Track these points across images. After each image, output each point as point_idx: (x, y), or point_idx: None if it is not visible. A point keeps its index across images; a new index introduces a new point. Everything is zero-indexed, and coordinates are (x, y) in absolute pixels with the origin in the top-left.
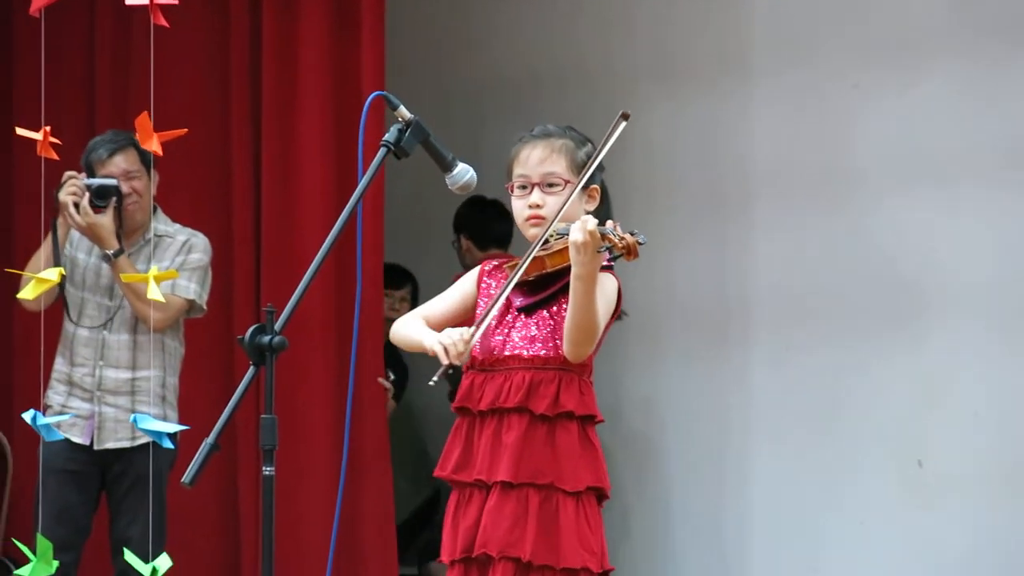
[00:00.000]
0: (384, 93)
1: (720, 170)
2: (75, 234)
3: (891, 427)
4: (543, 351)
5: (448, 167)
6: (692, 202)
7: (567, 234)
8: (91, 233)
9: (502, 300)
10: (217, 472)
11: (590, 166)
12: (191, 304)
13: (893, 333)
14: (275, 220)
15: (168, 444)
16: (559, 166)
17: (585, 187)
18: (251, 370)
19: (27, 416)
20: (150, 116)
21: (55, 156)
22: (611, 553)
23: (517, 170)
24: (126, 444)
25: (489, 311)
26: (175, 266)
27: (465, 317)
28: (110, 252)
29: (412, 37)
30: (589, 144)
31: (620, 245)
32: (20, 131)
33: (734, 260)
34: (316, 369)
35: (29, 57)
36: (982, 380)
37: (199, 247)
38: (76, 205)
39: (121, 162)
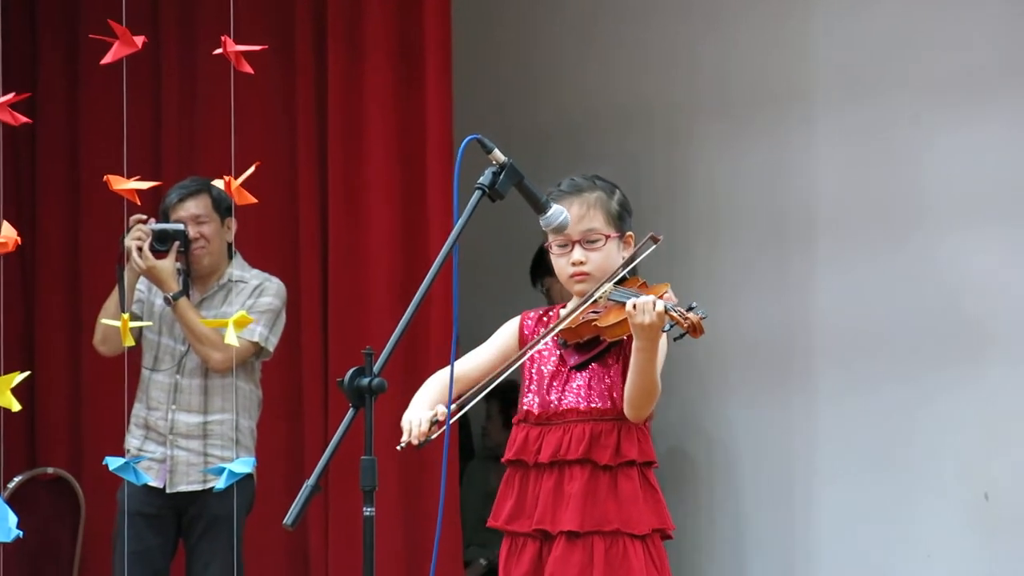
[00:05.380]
0: (479, 136)
1: (783, 206)
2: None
3: (957, 461)
4: (600, 404)
5: (542, 209)
6: (756, 238)
7: (621, 302)
8: (151, 276)
9: (517, 364)
10: (283, 508)
11: (615, 275)
12: (257, 347)
13: (957, 367)
14: (342, 264)
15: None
16: (597, 221)
17: (620, 236)
18: (350, 412)
19: (109, 462)
20: (231, 164)
21: (137, 201)
22: None
23: None
24: (197, 487)
25: (487, 386)
26: (244, 309)
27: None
28: (169, 295)
29: (476, 81)
30: (618, 191)
31: (685, 325)
32: (118, 185)
33: (797, 296)
34: (383, 413)
35: (95, 103)
36: None
37: (270, 291)
38: (140, 249)
39: (192, 207)
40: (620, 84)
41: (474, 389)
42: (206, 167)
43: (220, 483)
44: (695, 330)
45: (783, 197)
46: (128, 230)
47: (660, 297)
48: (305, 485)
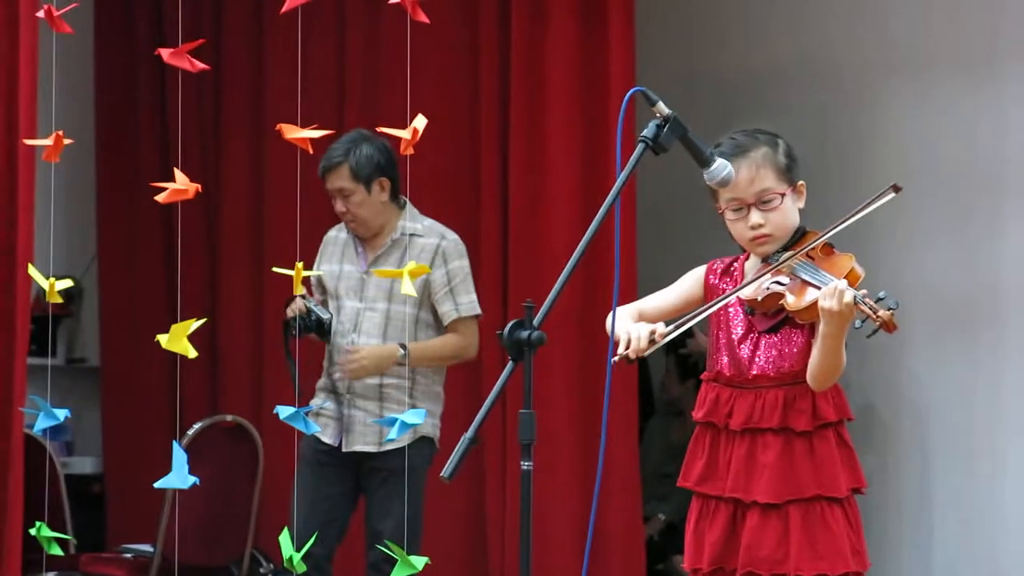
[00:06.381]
0: (643, 89)
1: (972, 164)
2: (333, 247)
3: None
4: (791, 367)
5: (706, 163)
6: (943, 196)
7: (808, 281)
8: (374, 372)
9: (710, 311)
10: (464, 467)
11: (841, 224)
12: (479, 317)
13: None
14: (523, 217)
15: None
16: (769, 180)
17: (792, 185)
18: (509, 365)
19: (280, 411)
20: (407, 114)
21: (310, 149)
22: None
23: (727, 194)
24: (372, 448)
25: (693, 318)
26: (437, 280)
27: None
28: (400, 357)
29: (660, 32)
30: (781, 142)
31: (878, 322)
32: (291, 133)
33: (986, 256)
34: (560, 366)
35: (278, 50)
36: None
37: (453, 252)
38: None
39: (335, 181)
40: (805, 37)
41: (686, 316)
42: (387, 116)
43: (392, 433)
44: (888, 326)
45: (972, 157)
46: (288, 301)
47: (848, 275)
48: (463, 438)
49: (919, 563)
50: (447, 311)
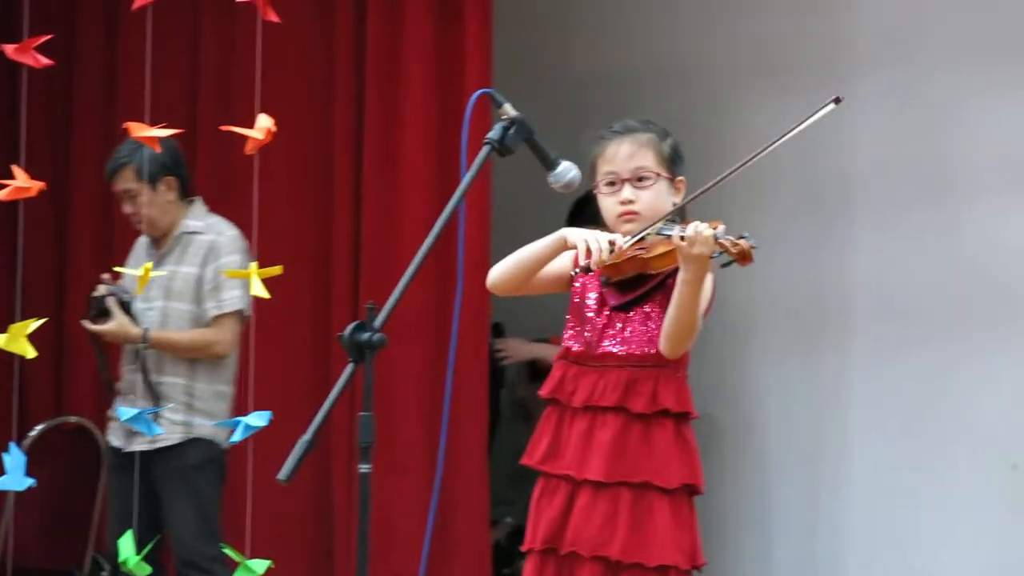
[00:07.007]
0: (489, 91)
1: (820, 169)
2: (136, 250)
3: (986, 430)
4: (638, 349)
5: (551, 165)
6: (791, 201)
7: (668, 235)
8: (116, 340)
9: (652, 228)
10: (310, 468)
11: (781, 139)
12: (241, 314)
13: (990, 335)
14: (375, 218)
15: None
16: (648, 159)
17: (671, 179)
18: (349, 367)
19: (121, 412)
20: (254, 113)
21: (157, 148)
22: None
23: (604, 168)
24: (146, 447)
25: (645, 231)
26: (207, 276)
27: (553, 288)
28: (141, 345)
29: (516, 34)
30: (671, 137)
31: (734, 251)
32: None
33: (832, 261)
34: (412, 367)
35: (133, 53)
36: None
37: (226, 248)
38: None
39: (119, 182)
40: (658, 41)
41: (646, 226)
42: (240, 116)
43: (236, 436)
44: (744, 257)
45: (820, 161)
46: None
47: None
48: (300, 441)
49: (758, 571)
50: (209, 307)
